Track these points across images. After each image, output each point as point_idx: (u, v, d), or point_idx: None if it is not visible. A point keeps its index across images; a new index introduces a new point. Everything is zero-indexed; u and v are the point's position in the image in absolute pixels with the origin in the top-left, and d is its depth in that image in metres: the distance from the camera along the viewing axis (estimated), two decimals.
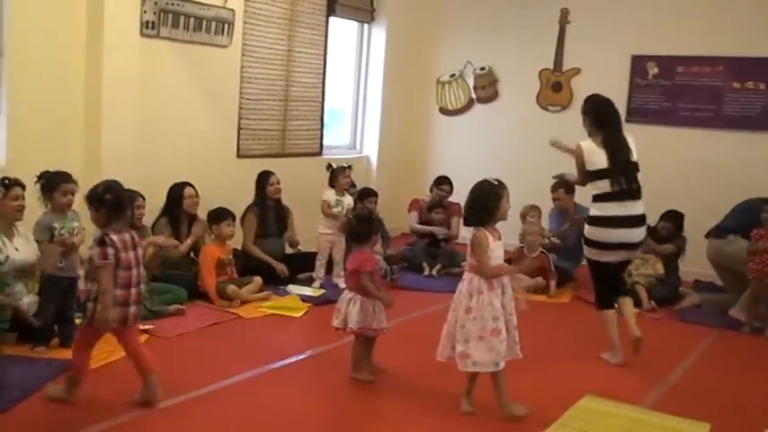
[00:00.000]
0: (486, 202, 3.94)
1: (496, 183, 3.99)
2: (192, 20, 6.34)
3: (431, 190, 7.84)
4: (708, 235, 6.47)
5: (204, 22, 6.47)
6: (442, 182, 7.74)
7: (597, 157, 4.82)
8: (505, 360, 3.91)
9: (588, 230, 4.89)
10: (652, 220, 6.76)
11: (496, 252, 3.93)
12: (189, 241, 5.97)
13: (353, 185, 7.15)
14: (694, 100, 7.72)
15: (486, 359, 3.86)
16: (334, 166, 6.70)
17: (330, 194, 6.61)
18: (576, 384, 4.48)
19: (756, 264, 5.89)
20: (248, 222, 6.54)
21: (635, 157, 4.90)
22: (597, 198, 4.86)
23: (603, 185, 4.81)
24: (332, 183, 6.61)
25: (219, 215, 6.06)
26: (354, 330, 4.37)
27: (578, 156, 4.90)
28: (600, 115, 4.96)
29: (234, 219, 6.19)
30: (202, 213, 6.21)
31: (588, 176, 4.90)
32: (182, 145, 6.43)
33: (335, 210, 6.51)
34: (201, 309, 5.62)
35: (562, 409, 4.12)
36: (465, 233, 7.73)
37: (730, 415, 4.24)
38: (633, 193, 4.82)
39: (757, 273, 5.88)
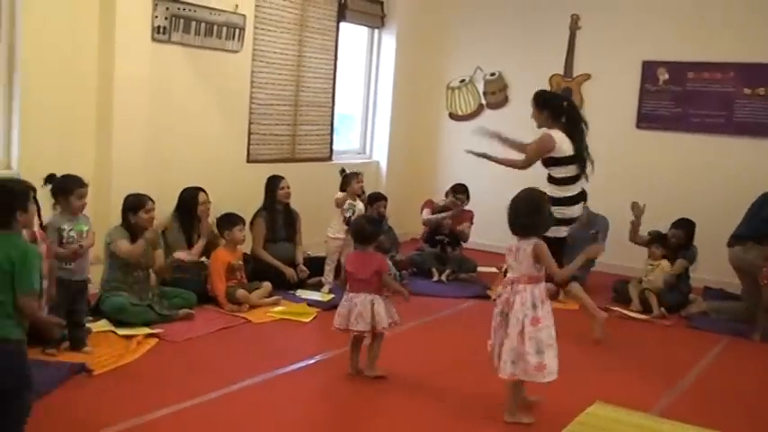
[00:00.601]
0: (546, 211, 4.08)
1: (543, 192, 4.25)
2: (203, 25, 6.37)
3: (446, 195, 7.78)
4: (729, 244, 6.41)
5: (215, 28, 6.49)
6: (459, 190, 7.63)
7: (566, 146, 5.49)
8: None
9: (560, 210, 5.25)
10: (663, 226, 6.77)
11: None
12: (199, 244, 5.95)
13: (363, 192, 7.16)
14: (705, 106, 7.69)
15: (555, 366, 3.91)
16: (347, 171, 6.72)
17: (342, 196, 6.66)
18: (585, 391, 4.46)
19: None
20: (258, 227, 6.55)
21: None
22: (564, 181, 5.50)
23: (570, 170, 5.51)
24: (344, 187, 6.63)
25: (231, 220, 6.06)
26: (387, 329, 4.46)
27: (548, 144, 5.50)
28: (557, 109, 5.66)
29: (245, 224, 6.20)
30: (212, 218, 6.22)
31: (553, 162, 5.51)
32: (192, 149, 6.46)
33: (347, 214, 6.51)
34: (211, 313, 5.63)
35: (572, 416, 4.11)
36: (476, 238, 7.73)
37: (741, 422, 4.22)
38: (587, 175, 5.63)
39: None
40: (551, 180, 5.56)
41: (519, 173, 7.08)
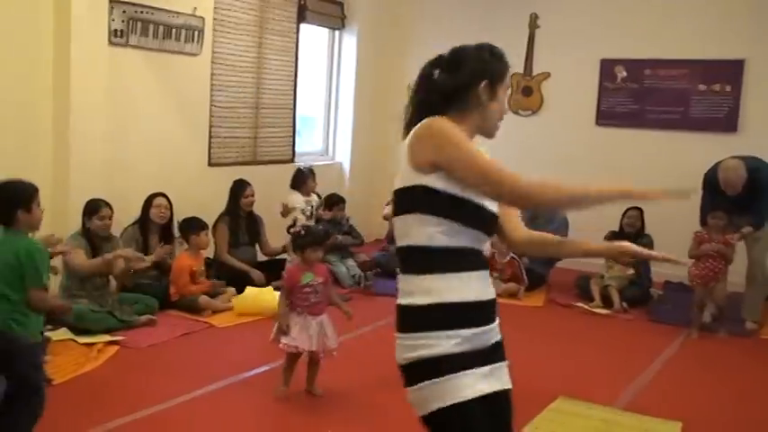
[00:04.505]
0: None
1: None
2: (161, 28, 6.31)
3: None
4: None
5: (174, 30, 6.43)
6: None
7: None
8: None
9: None
10: (614, 220, 6.86)
11: None
12: (154, 258, 5.86)
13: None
14: (662, 102, 7.81)
15: None
16: (303, 168, 6.85)
17: (296, 197, 6.76)
18: (549, 386, 4.50)
19: (699, 269, 5.86)
20: (221, 231, 6.51)
21: None
22: None
23: None
24: (299, 185, 6.75)
25: (195, 225, 6.02)
26: (335, 349, 4.26)
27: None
28: None
29: (208, 228, 6.16)
30: (174, 222, 6.17)
31: None
32: (152, 154, 6.39)
33: (306, 208, 6.72)
34: (173, 318, 5.57)
35: (535, 412, 4.14)
36: None
37: (701, 413, 4.28)
38: None
39: (701, 278, 5.86)
40: None
41: None
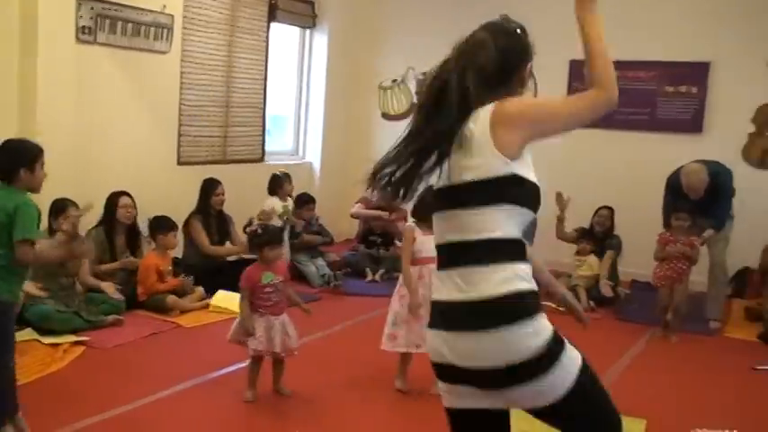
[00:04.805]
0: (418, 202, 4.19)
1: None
2: (129, 25, 6.26)
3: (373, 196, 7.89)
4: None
5: (142, 28, 6.38)
6: None
7: None
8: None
9: None
10: (585, 219, 6.93)
11: (427, 245, 4.15)
12: (118, 266, 5.82)
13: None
14: (629, 104, 7.87)
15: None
16: (279, 173, 6.88)
17: (274, 201, 6.74)
18: None
19: (664, 270, 5.92)
20: (196, 228, 6.50)
21: None
22: None
23: None
24: (274, 189, 6.77)
25: (165, 224, 5.99)
26: (296, 348, 4.26)
27: None
28: None
29: (177, 229, 6.14)
30: (144, 221, 6.13)
31: None
32: (121, 152, 6.34)
33: (281, 213, 6.74)
34: (140, 318, 5.54)
35: None
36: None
37: (666, 411, 4.34)
38: None
39: (666, 279, 5.92)
40: None
41: None
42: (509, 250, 1.96)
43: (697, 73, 7.63)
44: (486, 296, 1.93)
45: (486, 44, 2.12)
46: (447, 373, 2.02)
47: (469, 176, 1.98)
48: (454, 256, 2.01)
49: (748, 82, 7.50)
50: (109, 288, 5.54)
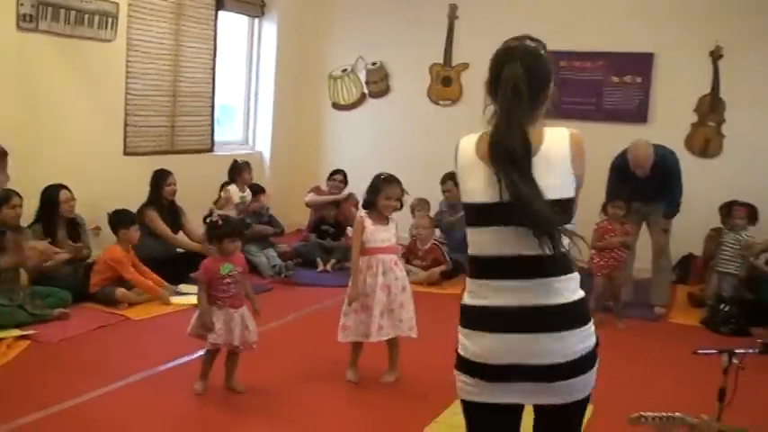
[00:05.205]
0: (368, 192, 4.36)
1: (383, 177, 4.33)
2: (73, 13, 6.12)
3: (328, 185, 7.90)
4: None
5: (86, 16, 6.26)
6: (335, 173, 7.85)
7: None
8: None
9: None
10: None
11: (377, 235, 4.30)
12: (66, 256, 5.69)
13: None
14: (576, 93, 7.99)
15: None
16: (239, 160, 6.95)
17: (234, 190, 6.86)
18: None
19: (604, 260, 5.97)
20: (153, 218, 6.45)
21: None
22: None
23: None
24: (235, 177, 6.80)
25: (127, 218, 5.93)
26: (255, 342, 4.20)
27: None
28: None
29: (137, 222, 6.06)
30: (90, 212, 6.04)
31: None
32: (64, 143, 6.21)
33: (240, 204, 6.82)
34: (88, 311, 5.45)
35: (453, 397, 4.20)
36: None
37: (612, 396, 4.42)
38: None
39: (606, 268, 5.98)
40: None
41: (404, 161, 7.21)
42: (567, 262, 2.16)
43: (642, 64, 7.78)
44: (569, 300, 2.15)
45: (518, 66, 2.17)
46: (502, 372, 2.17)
47: (557, 194, 2.12)
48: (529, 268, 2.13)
49: (691, 73, 7.67)
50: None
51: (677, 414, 2.79)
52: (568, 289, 2.15)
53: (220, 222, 4.21)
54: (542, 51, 2.24)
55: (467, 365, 2.22)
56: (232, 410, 4.02)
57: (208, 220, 4.33)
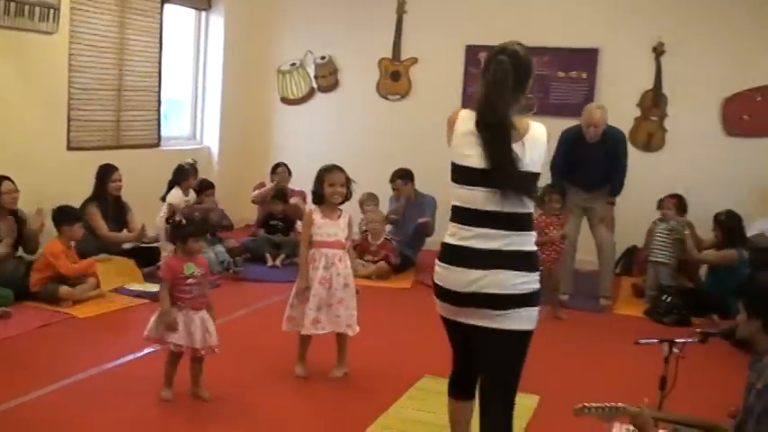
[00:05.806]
0: (314, 185, 4.40)
1: (323, 166, 4.41)
2: (12, 4, 5.97)
3: (272, 180, 7.86)
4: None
5: (27, 8, 6.10)
6: (277, 166, 7.85)
7: None
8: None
9: None
10: None
11: (324, 229, 4.34)
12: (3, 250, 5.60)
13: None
14: None
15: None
16: (185, 164, 6.85)
17: (177, 195, 6.71)
18: (415, 366, 4.62)
19: (546, 253, 5.88)
20: (94, 214, 6.34)
21: None
22: None
23: None
24: (179, 181, 6.70)
25: (71, 215, 5.82)
26: (217, 345, 4.09)
27: None
28: None
29: (82, 220, 5.96)
30: (33, 207, 5.91)
31: None
32: (4, 137, 6.06)
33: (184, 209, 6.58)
34: (30, 310, 5.33)
35: (402, 390, 4.25)
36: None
37: (558, 386, 4.50)
38: None
39: (548, 262, 5.95)
40: None
41: (354, 156, 7.19)
42: (527, 221, 2.83)
43: (587, 59, 7.90)
44: (522, 249, 2.77)
45: (508, 63, 2.79)
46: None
47: (534, 168, 2.75)
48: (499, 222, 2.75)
49: (634, 68, 7.82)
50: None
51: (620, 404, 2.85)
52: (527, 242, 2.78)
53: (184, 222, 4.16)
54: (526, 53, 2.84)
55: (441, 292, 2.85)
56: (174, 409, 3.96)
57: (170, 221, 4.30)
